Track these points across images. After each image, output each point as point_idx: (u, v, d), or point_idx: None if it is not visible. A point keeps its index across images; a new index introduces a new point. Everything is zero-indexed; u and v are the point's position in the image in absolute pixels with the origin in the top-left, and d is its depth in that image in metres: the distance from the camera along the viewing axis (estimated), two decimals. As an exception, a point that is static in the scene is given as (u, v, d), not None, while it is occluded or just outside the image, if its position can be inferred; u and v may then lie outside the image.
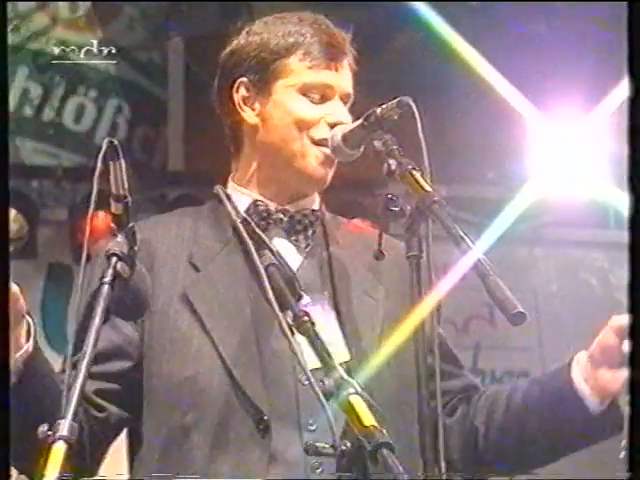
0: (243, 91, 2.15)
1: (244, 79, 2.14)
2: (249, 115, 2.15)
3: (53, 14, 6.51)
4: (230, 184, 2.19)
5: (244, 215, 2.08)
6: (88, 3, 6.59)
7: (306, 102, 2.11)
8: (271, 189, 2.15)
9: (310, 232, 2.15)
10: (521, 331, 6.00)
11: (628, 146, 1.75)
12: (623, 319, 1.93)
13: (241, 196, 2.15)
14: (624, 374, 1.94)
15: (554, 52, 5.66)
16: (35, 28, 6.43)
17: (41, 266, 5.89)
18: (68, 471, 1.53)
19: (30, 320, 1.88)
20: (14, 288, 1.78)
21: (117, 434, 2.10)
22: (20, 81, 6.48)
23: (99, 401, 2.01)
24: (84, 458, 1.98)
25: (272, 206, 2.13)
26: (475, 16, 5.63)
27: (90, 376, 1.91)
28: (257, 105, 2.14)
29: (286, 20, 2.17)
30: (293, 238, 2.13)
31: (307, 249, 2.14)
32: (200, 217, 2.17)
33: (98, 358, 1.92)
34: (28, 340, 1.87)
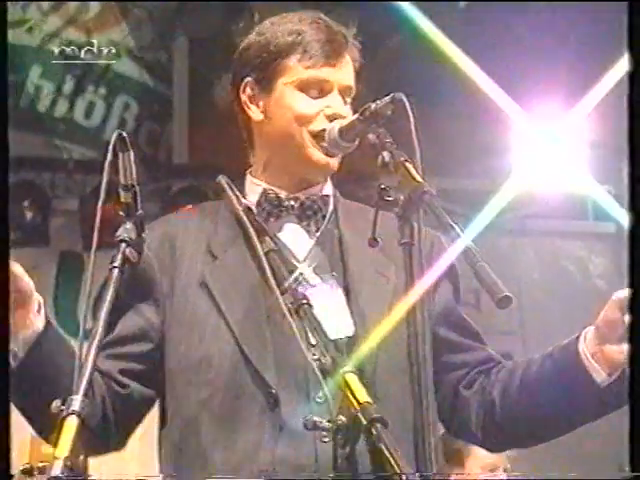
0: (249, 90, 2.15)
1: (249, 79, 2.15)
2: (255, 112, 2.15)
3: (65, 16, 6.51)
4: (247, 177, 2.20)
5: (246, 203, 2.09)
6: (97, 6, 6.59)
7: (305, 98, 2.10)
8: (281, 179, 2.15)
9: (320, 216, 2.15)
10: (505, 315, 6.11)
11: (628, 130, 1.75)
12: (625, 293, 1.89)
13: (255, 187, 2.16)
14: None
15: (536, 55, 5.66)
16: (48, 30, 6.43)
17: (53, 253, 5.90)
18: (83, 444, 1.52)
19: (40, 299, 1.89)
20: (17, 269, 1.80)
21: (143, 411, 2.12)
22: (33, 79, 6.48)
23: (123, 379, 2.04)
24: (110, 430, 2.02)
25: (283, 194, 2.13)
26: (462, 19, 5.63)
27: (115, 357, 1.99)
28: (261, 103, 2.14)
29: (287, 20, 2.16)
30: (304, 223, 2.13)
31: (318, 233, 2.14)
32: (219, 210, 2.17)
33: (123, 340, 2.02)
34: (38, 316, 1.89)
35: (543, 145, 5.21)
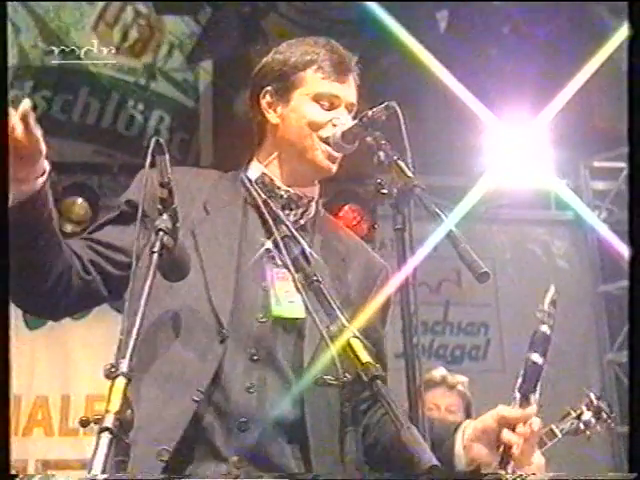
0: (268, 97, 2.14)
1: (269, 88, 2.13)
2: (272, 116, 2.13)
3: (108, 42, 6.53)
4: (253, 161, 2.18)
5: (254, 178, 2.10)
6: (136, 34, 6.59)
7: (317, 108, 2.09)
8: (283, 172, 2.13)
9: (300, 212, 2.12)
10: (482, 291, 6.11)
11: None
12: (505, 411, 1.88)
13: (256, 169, 2.15)
14: (493, 454, 1.89)
15: (505, 74, 5.66)
16: (93, 55, 6.44)
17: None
18: (127, 404, 1.51)
19: (46, 166, 1.81)
20: (32, 120, 1.69)
21: (90, 303, 2.09)
22: (83, 97, 6.48)
23: (90, 267, 1.99)
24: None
25: (277, 182, 2.12)
26: (442, 41, 5.62)
27: (94, 250, 1.97)
28: (279, 109, 2.12)
29: (304, 42, 2.16)
30: (285, 212, 2.10)
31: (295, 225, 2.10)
32: (223, 178, 2.18)
33: (108, 245, 1.98)
34: (38, 178, 1.80)
35: (512, 146, 5.21)
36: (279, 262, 2.00)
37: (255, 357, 1.92)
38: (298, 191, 2.12)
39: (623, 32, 4.69)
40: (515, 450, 1.86)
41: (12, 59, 6.35)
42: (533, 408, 1.90)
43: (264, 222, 2.05)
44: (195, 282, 1.95)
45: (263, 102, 2.15)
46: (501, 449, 1.87)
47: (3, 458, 1.57)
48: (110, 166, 5.98)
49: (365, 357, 1.60)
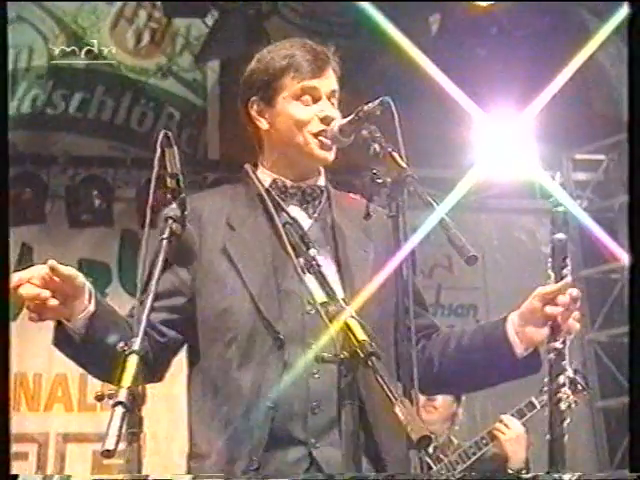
0: (256, 107, 2.13)
1: (255, 98, 2.13)
2: (262, 123, 2.14)
3: (124, 46, 6.53)
4: (260, 168, 2.18)
5: (267, 187, 2.08)
6: (148, 37, 6.59)
7: (300, 106, 2.09)
8: (287, 171, 2.13)
9: (317, 202, 2.13)
10: (471, 275, 6.11)
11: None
12: (544, 289, 1.94)
13: (266, 177, 2.14)
14: (545, 331, 1.94)
15: (493, 70, 5.65)
16: (108, 56, 6.44)
17: (116, 232, 5.91)
18: (139, 379, 1.52)
19: (91, 287, 1.89)
20: (70, 270, 1.82)
21: (175, 352, 2.10)
22: (98, 96, 6.47)
23: (162, 328, 2.02)
24: (150, 372, 1.96)
25: (288, 183, 2.12)
26: (435, 39, 5.62)
27: (157, 310, 1.93)
28: (267, 115, 2.13)
29: (281, 47, 2.15)
30: (304, 206, 2.11)
31: (315, 214, 2.12)
32: (236, 192, 2.17)
33: (162, 295, 1.95)
34: (90, 302, 1.88)
35: (499, 141, 5.20)
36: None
37: (313, 346, 1.93)
38: (307, 185, 2.13)
39: (604, 32, 4.71)
40: (561, 320, 1.91)
41: (37, 60, 6.37)
42: (568, 279, 1.96)
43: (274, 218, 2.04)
44: (242, 300, 1.99)
45: (252, 112, 2.14)
46: (548, 324, 1.92)
47: (3, 458, 1.54)
48: (124, 160, 5.97)
49: (361, 335, 1.60)
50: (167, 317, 2.03)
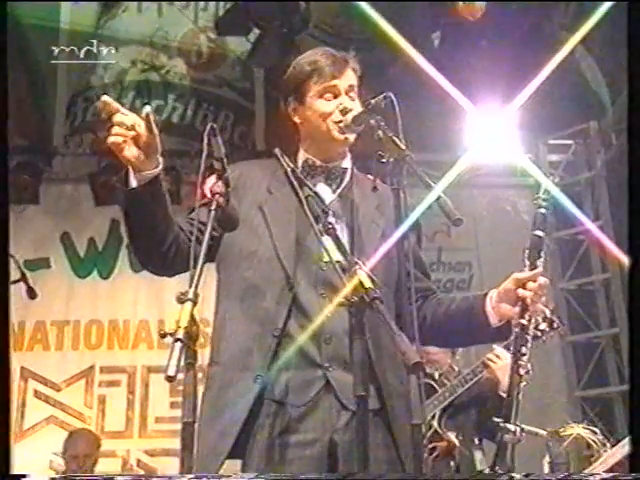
0: (291, 105, 2.11)
1: (290, 98, 2.11)
2: (297, 119, 2.12)
3: (187, 60, 6.52)
4: (300, 151, 2.14)
5: (292, 166, 2.04)
6: (208, 52, 6.57)
7: (324, 102, 2.06)
8: (318, 154, 2.10)
9: (339, 180, 2.09)
10: (466, 239, 6.04)
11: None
12: (519, 275, 1.92)
13: (302, 156, 2.12)
14: (515, 309, 1.91)
15: (483, 73, 5.57)
16: (177, 70, 6.48)
17: (183, 209, 5.88)
18: (194, 321, 1.50)
19: (161, 160, 1.84)
20: (149, 119, 1.75)
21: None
22: (170, 102, 6.48)
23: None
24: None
25: (318, 162, 2.09)
26: (437, 51, 5.56)
27: (193, 225, 1.82)
28: (300, 111, 2.10)
29: (307, 55, 2.13)
30: (329, 182, 2.08)
31: (337, 190, 2.08)
32: (276, 167, 2.11)
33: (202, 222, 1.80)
34: (158, 167, 1.83)
35: (488, 129, 5.12)
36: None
37: (323, 295, 1.90)
38: (333, 165, 2.10)
39: (571, 43, 4.61)
40: (529, 302, 1.89)
41: (120, 76, 6.37)
42: (539, 269, 1.93)
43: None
44: (266, 247, 1.95)
45: (289, 110, 2.13)
46: (519, 304, 1.90)
47: (3, 458, 1.43)
48: (189, 152, 5.96)
49: (368, 283, 1.57)
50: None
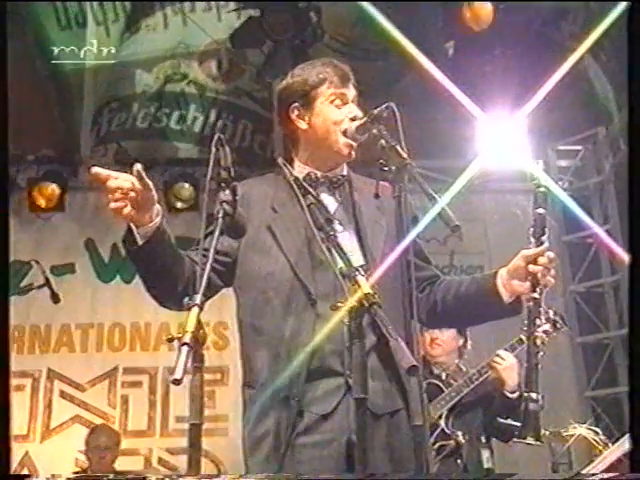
0: (296, 111, 2.08)
1: (296, 104, 2.08)
2: (302, 124, 2.08)
3: (208, 72, 6.55)
4: (295, 162, 2.12)
5: (296, 175, 2.03)
6: (227, 65, 6.60)
7: (334, 109, 2.04)
8: (318, 163, 2.08)
9: (341, 188, 2.08)
10: (477, 242, 5.99)
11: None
12: (527, 251, 1.92)
13: (301, 169, 2.09)
14: (526, 284, 1.92)
15: (494, 81, 5.55)
16: (200, 81, 6.52)
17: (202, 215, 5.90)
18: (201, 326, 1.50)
19: (160, 209, 1.84)
20: (149, 181, 1.76)
21: (212, 293, 1.98)
22: (192, 111, 6.51)
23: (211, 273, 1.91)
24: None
25: (319, 174, 2.07)
26: (451, 60, 5.55)
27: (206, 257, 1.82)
28: (307, 117, 2.07)
29: (315, 64, 2.12)
30: (332, 192, 2.06)
31: (340, 198, 2.07)
32: (277, 179, 2.10)
33: (217, 252, 1.82)
34: (157, 218, 1.82)
35: (498, 136, 5.10)
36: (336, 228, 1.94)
37: (339, 304, 1.85)
38: (333, 174, 2.08)
39: (579, 52, 4.57)
40: (540, 277, 1.90)
41: (144, 87, 6.41)
42: (546, 244, 1.93)
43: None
44: (283, 267, 1.94)
45: (292, 115, 2.08)
46: (529, 279, 1.91)
47: (3, 459, 1.43)
48: (209, 160, 5.98)
49: (367, 289, 1.56)
50: (216, 266, 1.94)
